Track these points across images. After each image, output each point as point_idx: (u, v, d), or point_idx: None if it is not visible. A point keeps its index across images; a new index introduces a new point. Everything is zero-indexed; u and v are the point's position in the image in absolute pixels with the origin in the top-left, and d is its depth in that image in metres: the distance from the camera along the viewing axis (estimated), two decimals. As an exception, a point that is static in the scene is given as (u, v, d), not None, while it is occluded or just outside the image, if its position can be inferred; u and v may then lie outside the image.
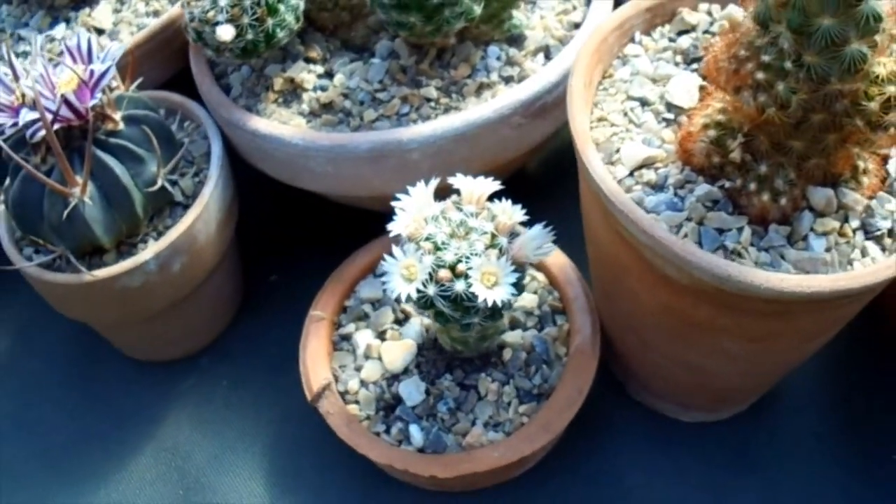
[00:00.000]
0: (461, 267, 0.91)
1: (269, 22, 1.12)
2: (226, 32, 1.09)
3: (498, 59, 1.19)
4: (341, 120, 1.17)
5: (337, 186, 1.21)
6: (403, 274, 0.92)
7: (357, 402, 1.13)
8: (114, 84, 1.20)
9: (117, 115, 1.18)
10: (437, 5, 1.05)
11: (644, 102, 0.99)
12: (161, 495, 1.26)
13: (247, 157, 1.27)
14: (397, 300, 1.00)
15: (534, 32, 1.22)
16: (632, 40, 1.06)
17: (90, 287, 1.19)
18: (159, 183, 1.19)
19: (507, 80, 1.18)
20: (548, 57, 1.20)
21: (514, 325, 1.15)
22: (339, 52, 1.25)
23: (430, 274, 0.91)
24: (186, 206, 1.24)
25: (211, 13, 1.10)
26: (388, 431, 1.10)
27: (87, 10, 1.44)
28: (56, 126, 1.12)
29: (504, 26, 1.20)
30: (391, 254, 0.92)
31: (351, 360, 1.17)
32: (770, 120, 0.80)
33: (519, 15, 1.21)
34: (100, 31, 1.41)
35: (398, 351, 1.15)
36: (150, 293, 1.22)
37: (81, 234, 1.17)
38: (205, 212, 1.21)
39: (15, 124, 1.12)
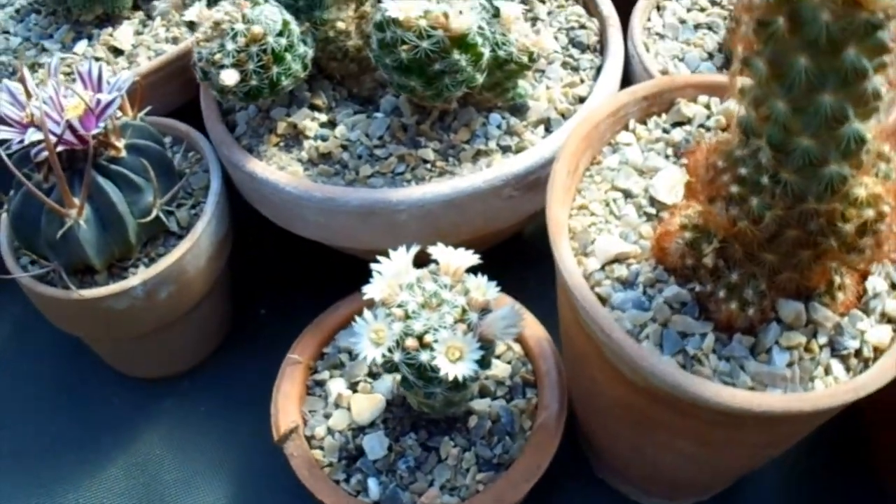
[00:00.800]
0: (428, 338, 0.93)
1: (274, 70, 1.14)
2: (229, 77, 1.11)
3: (498, 127, 1.21)
4: (337, 172, 1.19)
5: (328, 236, 1.23)
6: (372, 337, 0.95)
7: (322, 448, 1.15)
8: (119, 114, 1.23)
9: (120, 143, 1.21)
10: (438, 72, 1.07)
11: (628, 194, 1.00)
12: (125, 508, 1.29)
13: (245, 196, 1.29)
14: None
15: (538, 103, 1.23)
16: (626, 127, 1.07)
17: (78, 304, 1.22)
18: (154, 213, 1.21)
19: (505, 149, 1.19)
20: (548, 129, 1.21)
21: (484, 392, 1.16)
22: (345, 103, 1.27)
23: (397, 341, 0.94)
24: (181, 237, 1.26)
25: (217, 56, 1.12)
26: (347, 481, 1.12)
27: (109, 29, 1.47)
28: (60, 148, 1.15)
29: (508, 95, 1.21)
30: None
31: (321, 407, 1.19)
32: (742, 232, 0.81)
33: (525, 84, 1.23)
34: (118, 52, 1.44)
35: (367, 404, 1.16)
36: (136, 316, 1.25)
37: (74, 254, 1.19)
38: (195, 246, 1.23)
39: (21, 141, 1.15)
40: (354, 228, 1.18)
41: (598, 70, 1.28)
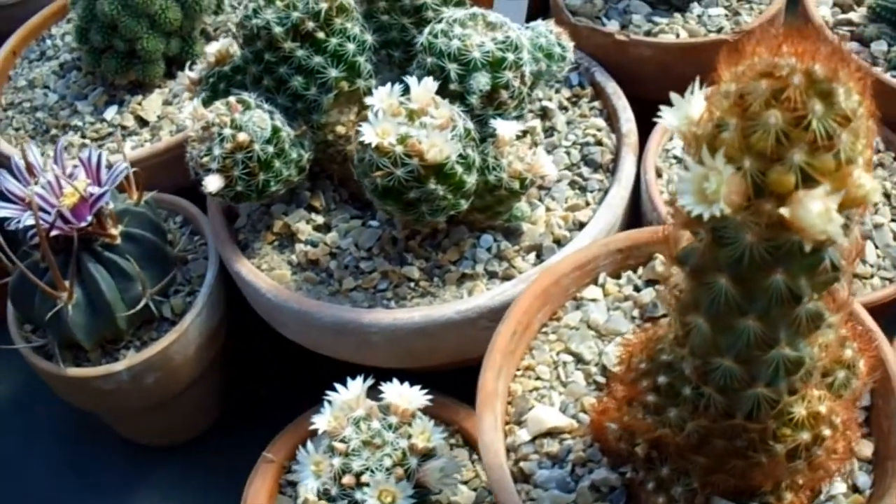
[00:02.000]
0: (364, 478, 0.93)
1: (261, 177, 1.13)
2: (212, 183, 1.11)
3: (489, 250, 1.17)
4: (322, 280, 1.18)
5: (308, 342, 1.21)
6: (313, 469, 0.96)
7: (285, 551, 1.14)
8: (121, 196, 1.24)
9: (116, 230, 1.22)
10: (413, 199, 1.04)
11: (580, 359, 0.95)
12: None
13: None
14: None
15: (533, 228, 1.18)
16: (595, 281, 1.01)
17: (68, 380, 1.24)
18: (143, 303, 1.22)
19: (492, 275, 1.15)
20: (539, 257, 1.17)
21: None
22: (344, 206, 1.26)
23: (335, 475, 0.94)
24: (174, 323, 1.27)
25: (205, 159, 1.12)
26: None
27: (140, 96, 1.49)
28: (55, 232, 1.17)
29: (501, 217, 1.17)
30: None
31: (289, 508, 1.18)
32: (665, 436, 0.75)
33: (522, 206, 1.19)
34: (144, 123, 1.46)
35: (330, 515, 1.15)
36: (124, 397, 1.27)
37: (65, 333, 1.22)
38: (183, 336, 1.24)
39: (18, 222, 1.17)
40: (330, 341, 1.17)
41: (606, 193, 1.22)
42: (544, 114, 1.32)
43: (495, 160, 1.11)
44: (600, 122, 1.31)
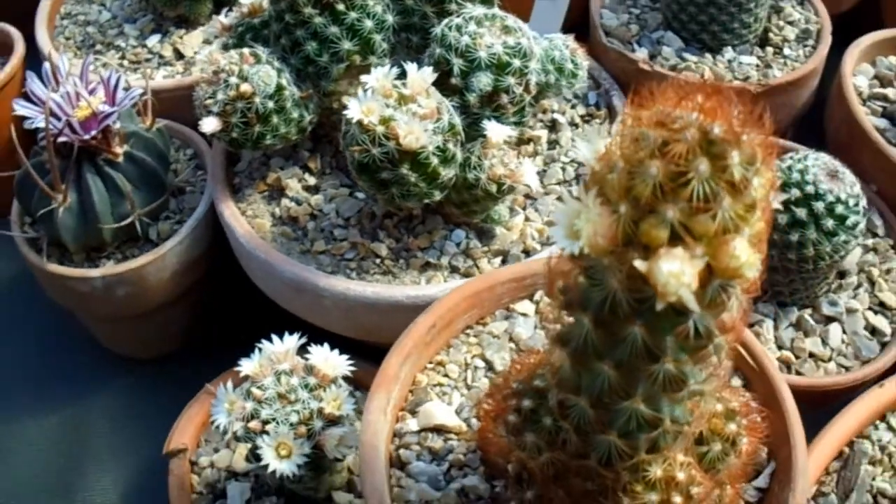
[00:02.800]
0: (269, 427, 0.99)
1: (257, 128, 1.18)
2: (208, 124, 1.16)
3: (458, 245, 1.20)
4: (297, 238, 1.22)
5: (269, 292, 1.26)
6: (226, 406, 1.02)
7: (199, 475, 1.20)
8: (126, 123, 1.30)
9: (120, 149, 1.28)
10: (385, 180, 1.07)
11: (490, 367, 0.97)
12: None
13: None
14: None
15: (507, 233, 1.21)
16: (531, 297, 1.03)
17: (48, 275, 1.32)
18: (129, 220, 1.28)
19: (454, 269, 1.18)
20: (504, 262, 1.19)
21: (351, 487, 1.17)
22: (338, 173, 1.30)
23: (245, 417, 1.00)
24: (156, 245, 1.33)
25: (208, 101, 1.17)
26: (206, 514, 1.16)
27: (183, 31, 1.55)
28: (63, 139, 1.23)
29: (477, 216, 1.20)
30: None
31: (217, 440, 1.23)
32: (520, 459, 0.77)
33: (502, 209, 1.21)
34: (180, 56, 1.52)
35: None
36: (96, 303, 1.34)
37: (53, 232, 1.28)
38: (160, 260, 1.30)
39: (32, 122, 1.24)
40: (288, 296, 1.21)
41: (587, 216, 1.23)
42: (553, 126, 1.34)
43: (478, 160, 1.13)
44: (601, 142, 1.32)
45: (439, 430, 0.92)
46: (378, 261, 1.19)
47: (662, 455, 0.70)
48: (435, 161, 1.07)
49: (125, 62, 1.53)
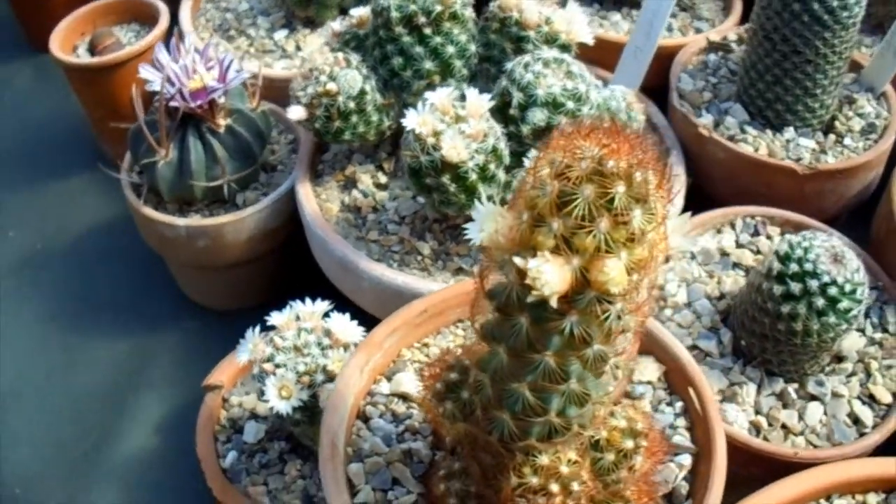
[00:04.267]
0: (279, 371, 1.16)
1: (336, 124, 1.34)
2: (294, 112, 1.33)
3: (492, 257, 1.32)
4: (356, 225, 1.38)
5: (323, 267, 1.42)
6: (249, 347, 1.19)
7: (226, 411, 1.35)
8: (234, 100, 1.48)
9: (222, 121, 1.47)
10: (428, 185, 1.21)
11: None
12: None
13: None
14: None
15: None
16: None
17: (144, 217, 1.52)
18: (218, 182, 1.47)
19: (483, 277, 1.31)
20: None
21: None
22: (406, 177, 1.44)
23: (264, 358, 1.17)
24: (240, 209, 1.50)
25: (299, 93, 1.34)
26: (223, 442, 1.31)
27: (308, 31, 1.74)
28: (174, 103, 1.43)
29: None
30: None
31: (250, 386, 1.39)
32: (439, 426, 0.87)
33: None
34: (287, 55, 1.70)
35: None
36: (178, 249, 1.54)
37: (153, 181, 1.48)
38: (239, 222, 1.48)
39: (151, 85, 1.44)
40: (337, 274, 1.37)
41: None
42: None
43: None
44: (648, 196, 1.43)
45: (405, 397, 1.05)
46: (419, 258, 1.33)
47: (554, 447, 0.80)
48: (473, 176, 1.21)
49: (252, 49, 1.72)
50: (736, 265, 1.35)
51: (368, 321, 1.19)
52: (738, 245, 1.38)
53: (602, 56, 1.57)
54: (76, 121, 2.05)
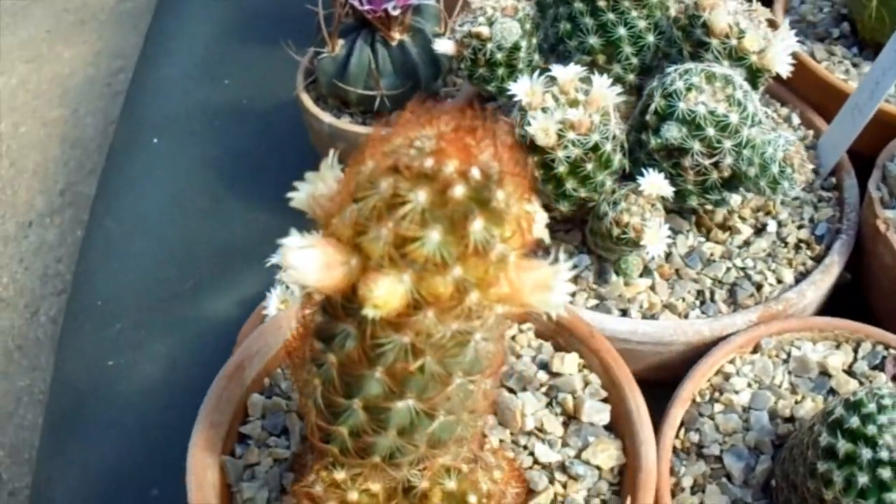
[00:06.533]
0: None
1: (481, 70, 1.21)
2: (442, 45, 1.21)
3: (573, 267, 1.18)
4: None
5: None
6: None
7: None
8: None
9: (397, 35, 1.43)
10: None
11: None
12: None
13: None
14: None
15: (622, 286, 1.16)
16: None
17: (300, 101, 1.51)
18: (373, 94, 1.44)
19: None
20: (597, 307, 1.16)
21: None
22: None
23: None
24: (387, 129, 1.47)
25: (457, 27, 1.24)
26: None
27: None
28: (354, 2, 1.40)
29: (612, 255, 1.17)
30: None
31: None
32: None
33: (633, 262, 1.16)
34: None
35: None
36: (321, 144, 1.53)
37: (316, 71, 1.48)
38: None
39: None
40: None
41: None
42: (761, 231, 1.24)
43: (620, 197, 1.10)
44: (788, 272, 1.20)
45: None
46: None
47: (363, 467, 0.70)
48: (560, 169, 1.08)
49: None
50: (832, 392, 1.07)
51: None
52: (849, 371, 1.08)
53: (833, 104, 1.32)
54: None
